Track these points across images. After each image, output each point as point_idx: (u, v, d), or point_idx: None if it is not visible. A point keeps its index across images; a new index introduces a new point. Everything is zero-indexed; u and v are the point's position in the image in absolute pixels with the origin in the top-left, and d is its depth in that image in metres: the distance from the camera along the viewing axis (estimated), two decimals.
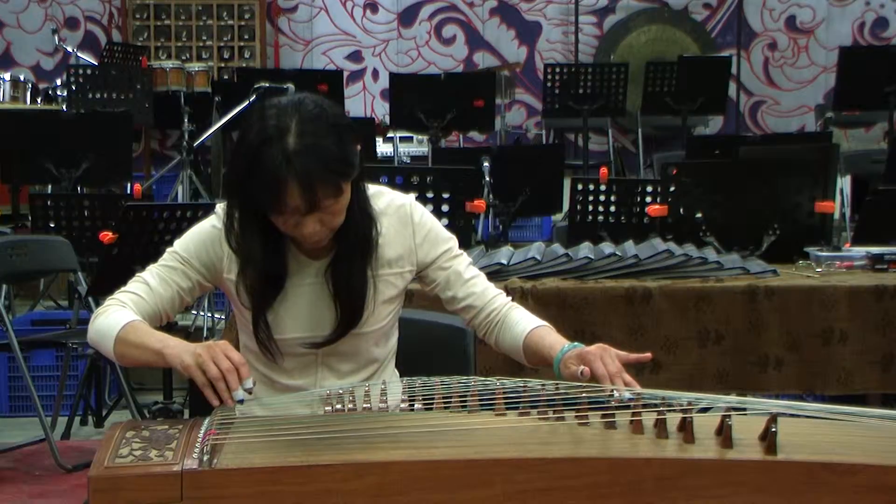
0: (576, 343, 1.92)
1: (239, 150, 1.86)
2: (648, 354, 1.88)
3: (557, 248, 3.41)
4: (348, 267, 1.96)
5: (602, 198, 4.09)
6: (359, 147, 1.90)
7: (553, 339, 1.96)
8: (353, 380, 2.05)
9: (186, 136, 6.51)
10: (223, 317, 5.18)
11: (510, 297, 2.11)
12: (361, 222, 1.95)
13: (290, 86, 5.68)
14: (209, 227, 2.01)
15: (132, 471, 1.54)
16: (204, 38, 8.27)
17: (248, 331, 2.03)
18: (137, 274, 2.01)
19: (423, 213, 2.08)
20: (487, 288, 2.08)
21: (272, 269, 1.95)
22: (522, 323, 2.03)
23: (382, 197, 2.04)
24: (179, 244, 2.01)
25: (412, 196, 2.11)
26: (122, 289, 1.97)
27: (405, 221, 2.04)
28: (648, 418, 1.64)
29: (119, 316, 1.88)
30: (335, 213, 1.87)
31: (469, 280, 2.07)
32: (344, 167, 1.83)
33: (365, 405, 1.76)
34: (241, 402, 1.69)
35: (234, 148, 1.91)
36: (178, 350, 1.77)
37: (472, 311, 2.07)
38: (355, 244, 1.95)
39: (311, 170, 1.77)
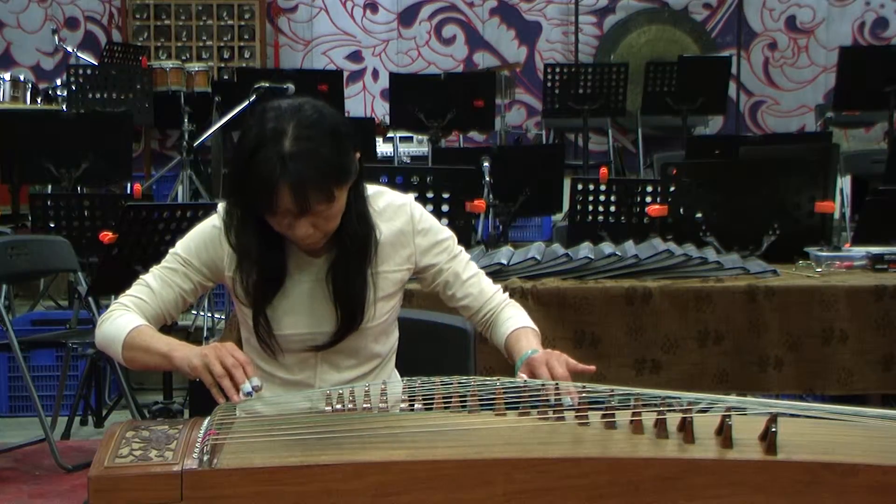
0: (535, 349, 1.95)
1: (238, 150, 1.89)
2: (593, 367, 1.90)
3: (557, 248, 3.41)
4: (346, 272, 1.98)
5: (602, 198, 4.08)
6: (358, 154, 1.91)
7: (523, 345, 2.00)
8: (354, 375, 2.07)
9: (186, 136, 6.52)
10: (223, 317, 5.18)
11: (507, 294, 2.16)
12: (359, 229, 1.96)
13: (290, 86, 5.68)
14: (210, 227, 2.03)
15: (132, 471, 1.55)
16: (204, 38, 8.26)
17: (248, 327, 2.04)
18: (140, 276, 2.04)
19: (423, 213, 2.10)
20: (484, 288, 2.14)
21: (269, 267, 1.96)
22: (508, 323, 2.09)
23: (382, 197, 2.06)
24: (181, 245, 2.03)
25: (412, 196, 2.13)
26: (126, 292, 2.00)
27: (405, 221, 2.06)
28: (648, 418, 1.64)
29: (125, 321, 1.92)
30: (329, 218, 1.88)
31: (467, 280, 2.12)
32: (338, 174, 1.84)
33: (365, 405, 1.76)
34: (250, 394, 1.70)
35: (235, 148, 1.94)
36: (185, 353, 1.80)
37: (469, 311, 2.14)
38: (353, 250, 1.97)
39: (303, 174, 1.78)
